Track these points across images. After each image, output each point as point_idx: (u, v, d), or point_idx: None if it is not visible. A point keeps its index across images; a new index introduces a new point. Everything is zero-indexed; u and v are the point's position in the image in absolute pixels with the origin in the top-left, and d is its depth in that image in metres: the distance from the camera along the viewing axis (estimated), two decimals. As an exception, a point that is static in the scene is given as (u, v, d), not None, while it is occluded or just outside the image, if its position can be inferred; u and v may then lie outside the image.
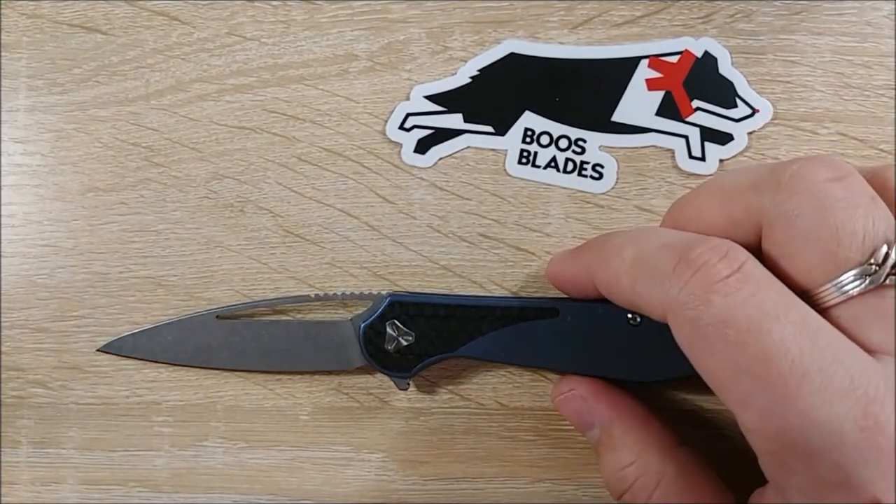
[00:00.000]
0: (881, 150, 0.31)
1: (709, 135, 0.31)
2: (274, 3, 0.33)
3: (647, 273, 0.22)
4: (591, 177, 0.32)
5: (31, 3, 0.34)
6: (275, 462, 0.31)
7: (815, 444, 0.18)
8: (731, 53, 0.31)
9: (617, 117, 0.32)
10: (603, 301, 0.28)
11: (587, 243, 0.27)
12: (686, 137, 0.31)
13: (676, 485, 0.24)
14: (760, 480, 0.22)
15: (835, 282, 0.20)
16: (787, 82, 0.31)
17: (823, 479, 0.18)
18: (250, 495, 0.31)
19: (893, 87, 0.31)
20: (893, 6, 0.31)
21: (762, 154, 0.31)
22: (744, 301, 0.19)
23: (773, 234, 0.21)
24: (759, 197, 0.21)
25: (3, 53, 0.33)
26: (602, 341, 0.28)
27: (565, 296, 0.29)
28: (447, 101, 0.32)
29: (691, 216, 0.24)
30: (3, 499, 0.32)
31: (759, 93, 0.31)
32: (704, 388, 0.30)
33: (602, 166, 0.31)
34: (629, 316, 0.28)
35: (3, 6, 0.34)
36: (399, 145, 0.32)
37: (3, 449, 0.32)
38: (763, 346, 0.19)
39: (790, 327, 0.19)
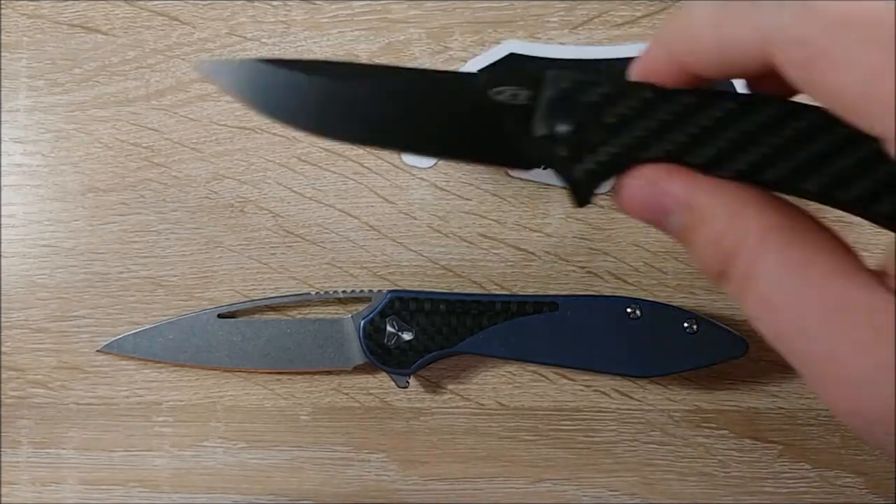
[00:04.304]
0: (881, 149, 0.31)
1: (709, 135, 0.31)
2: (274, 3, 0.33)
3: (731, 9, 0.18)
4: (591, 177, 0.31)
5: (31, 3, 0.34)
6: (275, 462, 0.31)
7: None
8: (730, 53, 0.31)
9: (617, 117, 0.32)
10: (601, 296, 0.28)
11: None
12: (686, 137, 0.31)
13: (786, 235, 0.18)
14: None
15: None
16: (787, 82, 0.31)
17: None
18: (250, 495, 0.31)
19: (893, 87, 0.31)
20: (894, 6, 0.31)
21: (762, 154, 0.31)
22: None
23: None
24: None
25: (3, 54, 0.34)
26: (602, 336, 0.28)
27: (564, 292, 0.29)
28: (447, 101, 0.32)
29: None
30: (3, 499, 0.32)
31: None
32: (705, 385, 0.30)
33: (602, 166, 0.31)
34: (629, 310, 0.28)
35: (3, 6, 0.34)
36: (399, 145, 0.32)
37: (3, 449, 0.32)
38: None
39: None
